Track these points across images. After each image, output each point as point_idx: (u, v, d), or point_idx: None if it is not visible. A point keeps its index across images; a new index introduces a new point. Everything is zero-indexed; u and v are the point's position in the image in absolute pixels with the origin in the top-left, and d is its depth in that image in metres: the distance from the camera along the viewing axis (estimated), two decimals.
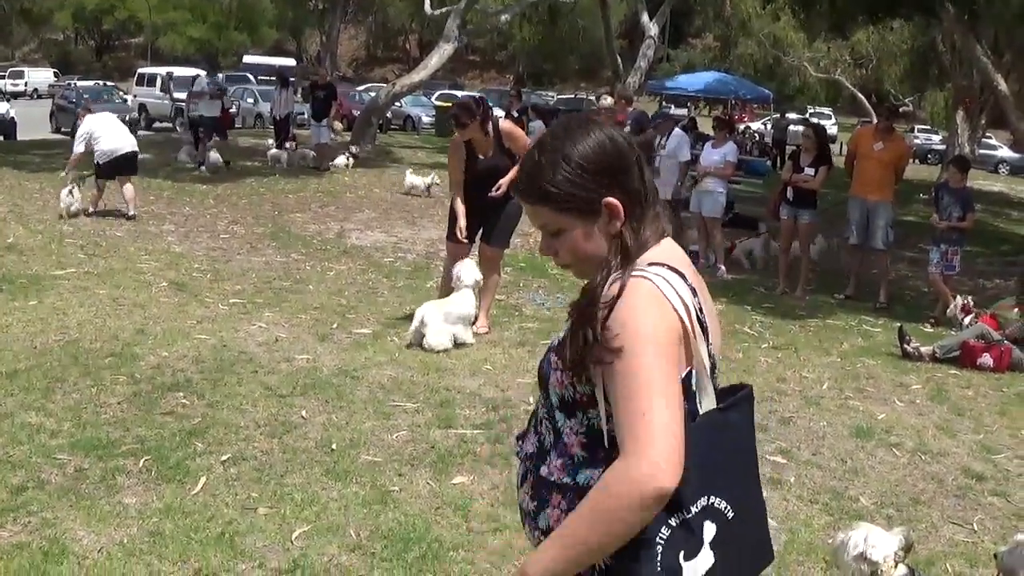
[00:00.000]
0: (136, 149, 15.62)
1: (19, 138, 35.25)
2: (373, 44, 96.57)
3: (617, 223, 2.32)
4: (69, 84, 53.51)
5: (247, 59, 63.47)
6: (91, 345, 8.41)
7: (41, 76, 74.60)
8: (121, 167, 15.18)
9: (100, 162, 15.13)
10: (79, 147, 15.25)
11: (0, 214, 14.82)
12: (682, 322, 2.22)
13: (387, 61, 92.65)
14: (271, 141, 25.66)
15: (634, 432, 2.07)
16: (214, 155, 23.19)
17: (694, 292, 2.28)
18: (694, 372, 2.25)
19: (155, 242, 13.44)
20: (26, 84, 71.13)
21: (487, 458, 6.49)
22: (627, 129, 15.75)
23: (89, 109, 16.82)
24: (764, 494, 2.46)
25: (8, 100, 42.18)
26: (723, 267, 13.81)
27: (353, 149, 24.95)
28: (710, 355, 2.32)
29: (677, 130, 15.11)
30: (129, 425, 6.74)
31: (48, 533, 5.18)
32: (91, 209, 15.23)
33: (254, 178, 21.17)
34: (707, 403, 2.27)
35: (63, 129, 39.85)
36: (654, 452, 2.04)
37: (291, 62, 59.89)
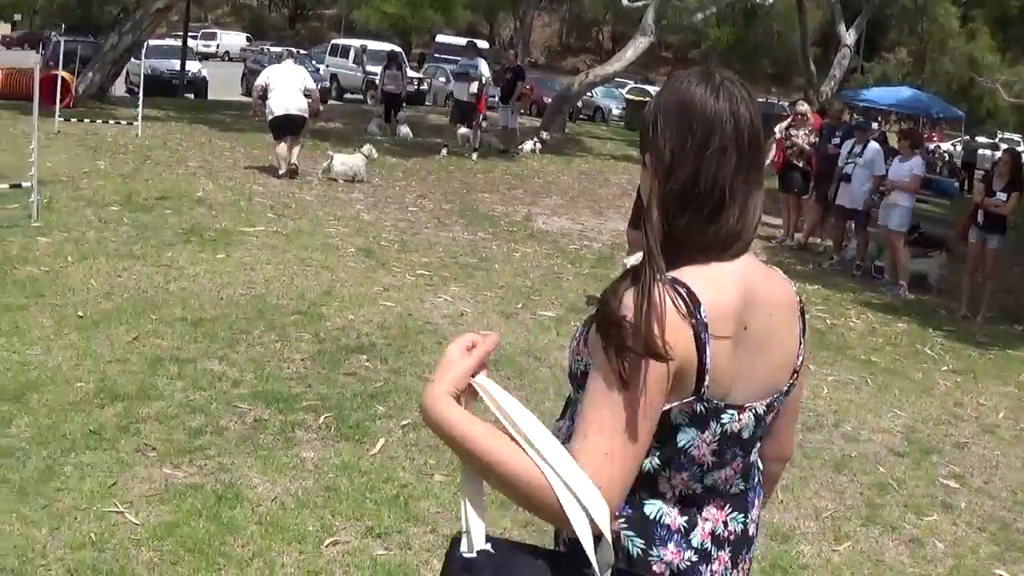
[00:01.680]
0: (300, 114, 16.31)
1: (209, 97, 36.96)
2: (566, 33, 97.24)
3: (656, 185, 2.17)
4: (262, 49, 55.68)
5: (440, 38, 64.52)
6: (277, 301, 8.92)
7: (233, 39, 78.07)
8: (283, 128, 16.10)
9: (268, 117, 16.24)
10: (254, 93, 16.78)
11: (191, 169, 15.69)
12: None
13: (579, 51, 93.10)
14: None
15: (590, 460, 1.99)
16: (404, 128, 23.91)
17: (705, 327, 2.06)
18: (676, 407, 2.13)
19: (344, 208, 13.99)
20: (218, 46, 74.07)
21: None
22: (815, 139, 16.09)
23: (291, 55, 17.88)
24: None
25: (200, 60, 44.22)
26: (904, 284, 13.67)
27: (543, 135, 25.30)
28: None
29: (873, 142, 15.24)
30: (311, 382, 7.15)
31: (223, 478, 5.58)
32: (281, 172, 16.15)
33: (440, 155, 21.69)
34: (690, 435, 2.17)
35: (253, 99, 41.46)
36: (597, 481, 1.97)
37: (484, 44, 60.59)
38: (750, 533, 2.37)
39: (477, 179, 18.98)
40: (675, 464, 2.18)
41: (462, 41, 61.39)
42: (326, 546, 4.97)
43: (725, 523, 2.29)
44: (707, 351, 2.05)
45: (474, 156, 21.77)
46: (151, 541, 4.85)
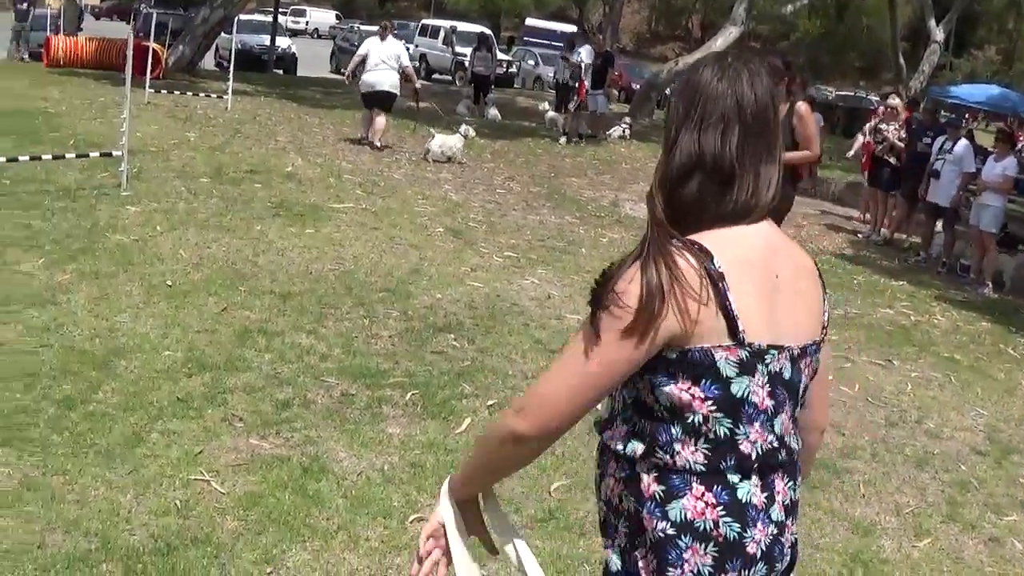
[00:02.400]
0: (390, 90, 16.95)
1: (298, 74, 37.40)
2: (655, 20, 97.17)
3: (663, 158, 2.40)
4: (352, 27, 56.26)
5: (529, 22, 64.77)
6: (366, 278, 9.01)
7: (322, 17, 79.12)
8: (373, 101, 16.95)
9: (361, 91, 17.16)
10: (352, 64, 17.64)
11: (281, 144, 15.88)
12: (680, 302, 2.22)
13: (668, 39, 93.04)
14: (547, 104, 26.35)
15: (532, 384, 2.33)
16: (493, 110, 24.09)
17: (721, 276, 2.24)
18: (722, 356, 2.27)
19: (432, 188, 14.08)
20: (307, 23, 74.81)
21: None
22: (904, 133, 15.94)
23: (388, 29, 18.04)
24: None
25: (289, 37, 44.82)
26: (990, 284, 13.46)
27: (628, 120, 25.27)
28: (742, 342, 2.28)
29: (964, 139, 15.12)
30: (399, 358, 7.22)
31: (309, 451, 5.66)
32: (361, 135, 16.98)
33: (531, 138, 21.80)
34: (744, 383, 2.30)
35: (342, 70, 41.99)
36: (524, 403, 2.34)
37: (572, 28, 60.72)
38: (796, 499, 2.47)
39: (565, 163, 19.02)
40: (744, 417, 2.30)
41: (552, 25, 61.85)
42: (411, 522, 5.01)
43: (790, 494, 2.42)
44: (730, 298, 2.23)
45: (562, 140, 21.81)
46: (236, 510, 4.94)
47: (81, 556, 4.43)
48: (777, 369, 2.34)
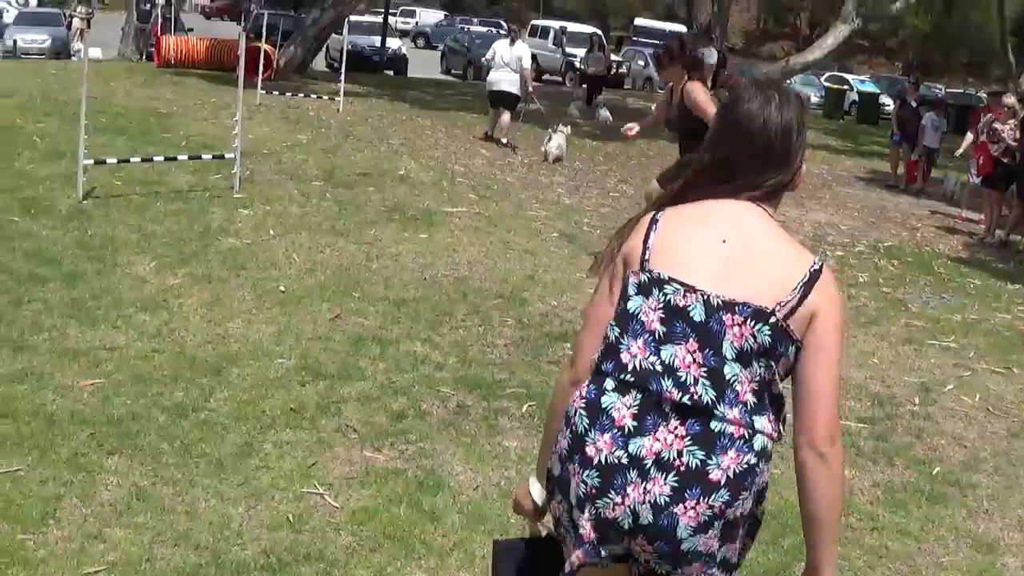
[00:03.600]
0: (508, 90, 17.86)
1: (409, 75, 37.66)
2: (764, 18, 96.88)
3: (699, 156, 3.05)
4: (462, 28, 56.73)
5: (638, 21, 64.76)
6: (480, 284, 8.93)
7: (431, 16, 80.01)
8: (496, 100, 18.09)
9: (486, 89, 18.47)
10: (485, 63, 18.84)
11: (394, 146, 15.91)
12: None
13: (777, 36, 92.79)
14: None
15: None
16: (604, 112, 24.09)
17: (656, 221, 2.90)
18: (631, 279, 2.84)
19: (545, 192, 14.00)
20: (416, 23, 75.51)
21: (870, 454, 6.49)
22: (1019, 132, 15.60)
23: (515, 32, 19.44)
24: None
25: (401, 37, 45.33)
26: None
27: None
28: (646, 268, 2.82)
29: None
30: (515, 368, 7.13)
31: (425, 464, 5.58)
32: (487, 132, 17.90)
33: (643, 140, 21.66)
34: (638, 302, 2.81)
35: (453, 71, 42.33)
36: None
37: (682, 28, 60.59)
38: (711, 478, 2.64)
39: None
40: (630, 330, 2.77)
41: (661, 24, 61.74)
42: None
43: (685, 457, 2.65)
44: (651, 236, 2.85)
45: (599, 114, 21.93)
46: (350, 525, 4.87)
47: (191, 571, 4.39)
48: (680, 303, 2.74)
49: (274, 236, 9.76)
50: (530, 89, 18.98)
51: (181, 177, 11.73)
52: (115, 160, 11.18)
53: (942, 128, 20.15)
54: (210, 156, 11.75)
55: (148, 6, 31.84)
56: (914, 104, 20.98)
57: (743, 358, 2.71)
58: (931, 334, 9.42)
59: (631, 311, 2.77)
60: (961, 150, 18.92)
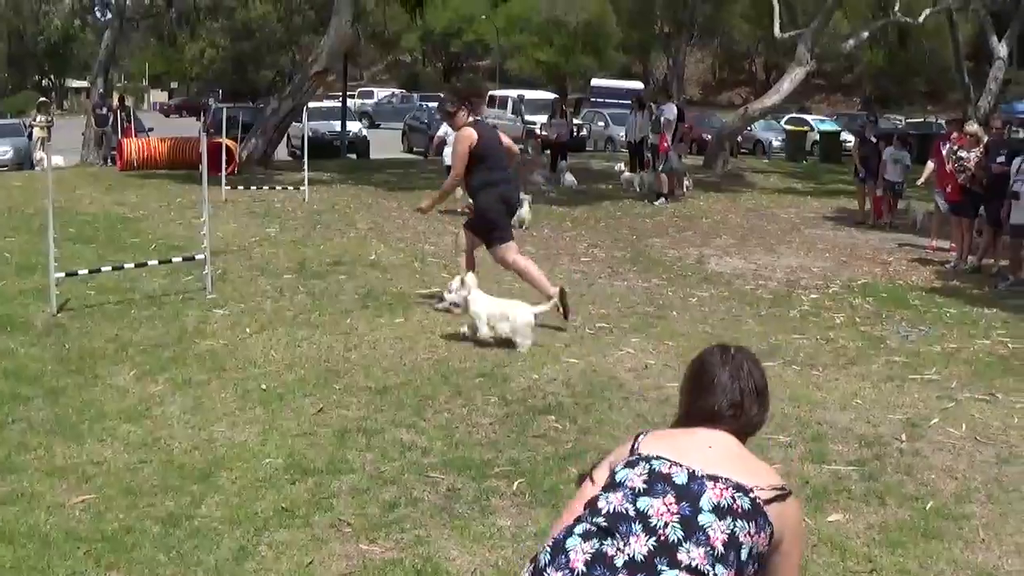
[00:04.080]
0: None
1: (371, 156, 37.93)
2: (719, 67, 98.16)
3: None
4: (420, 105, 57.26)
5: (595, 82, 65.58)
6: (460, 364, 8.99)
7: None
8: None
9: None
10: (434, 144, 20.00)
11: (362, 232, 16.04)
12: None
13: (734, 84, 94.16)
14: (622, 165, 26.57)
15: None
16: (569, 176, 24.36)
17: (637, 437, 3.46)
18: (618, 464, 3.33)
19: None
20: (376, 104, 76.25)
21: (862, 496, 6.53)
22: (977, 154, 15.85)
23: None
24: None
25: (361, 120, 45.65)
26: None
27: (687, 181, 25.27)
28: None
29: None
30: (502, 447, 7.17)
31: (421, 551, 5.60)
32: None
33: (609, 201, 21.97)
34: (625, 473, 3.26)
35: (415, 149, 42.61)
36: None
37: (639, 85, 61.38)
38: None
39: (646, 224, 19.07)
40: (612, 490, 3.19)
41: (618, 83, 62.39)
42: None
43: None
44: (638, 444, 3.37)
45: (660, 202, 21.91)
46: None
47: None
48: (664, 470, 3.15)
49: (250, 334, 9.81)
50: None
51: (153, 282, 11.80)
52: (86, 271, 11.25)
53: (903, 161, 20.35)
54: (180, 258, 11.82)
55: (104, 110, 32.05)
56: (873, 140, 21.28)
57: (719, 511, 3.05)
58: (912, 368, 9.54)
59: (617, 480, 3.20)
60: (923, 179, 19.15)
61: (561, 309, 10.53)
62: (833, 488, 6.62)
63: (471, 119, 10.65)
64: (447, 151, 18.34)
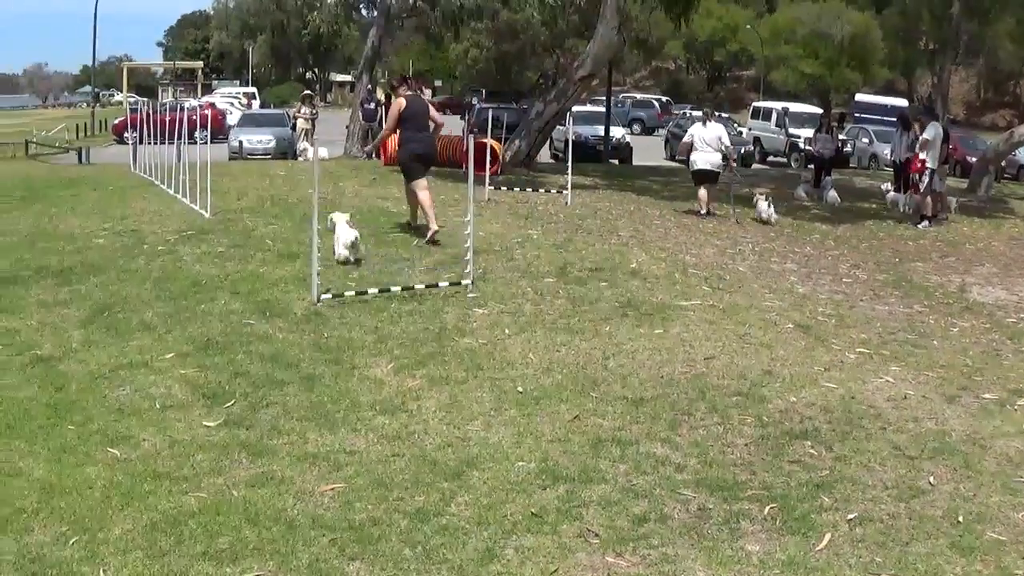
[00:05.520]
0: (715, 169, 20.16)
1: (634, 163, 38.06)
2: (983, 87, 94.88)
3: None
4: (684, 113, 57.30)
5: (859, 97, 64.29)
6: (718, 381, 8.89)
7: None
8: (702, 179, 20.23)
9: (690, 169, 20.66)
10: (680, 150, 21.44)
11: (623, 239, 16.03)
12: None
13: (997, 106, 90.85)
14: (888, 184, 25.96)
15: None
16: (832, 193, 24.00)
17: None
18: None
19: (778, 280, 13.86)
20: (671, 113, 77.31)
21: None
22: None
23: (711, 115, 21.37)
24: None
25: (631, 126, 46.08)
26: None
27: (952, 202, 24.41)
28: None
29: None
30: (756, 469, 7.06)
31: (667, 569, 5.57)
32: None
33: (872, 221, 21.43)
34: None
35: (677, 157, 42.63)
36: None
37: (903, 102, 59.77)
38: None
39: (908, 246, 18.49)
40: None
41: (882, 99, 60.96)
42: None
43: None
44: None
45: (923, 225, 21.30)
46: None
47: None
48: None
49: (510, 335, 9.93)
50: (732, 164, 20.87)
51: (414, 277, 12.05)
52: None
53: None
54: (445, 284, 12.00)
55: (372, 105, 32.97)
56: None
57: None
58: None
59: None
60: None
61: (428, 237, 14.20)
62: None
63: (408, 92, 15.23)
64: (694, 154, 20.10)
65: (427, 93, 25.84)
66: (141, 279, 11.81)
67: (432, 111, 15.45)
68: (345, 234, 12.81)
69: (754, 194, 20.82)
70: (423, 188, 14.65)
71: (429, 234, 14.14)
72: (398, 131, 15.15)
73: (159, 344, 9.47)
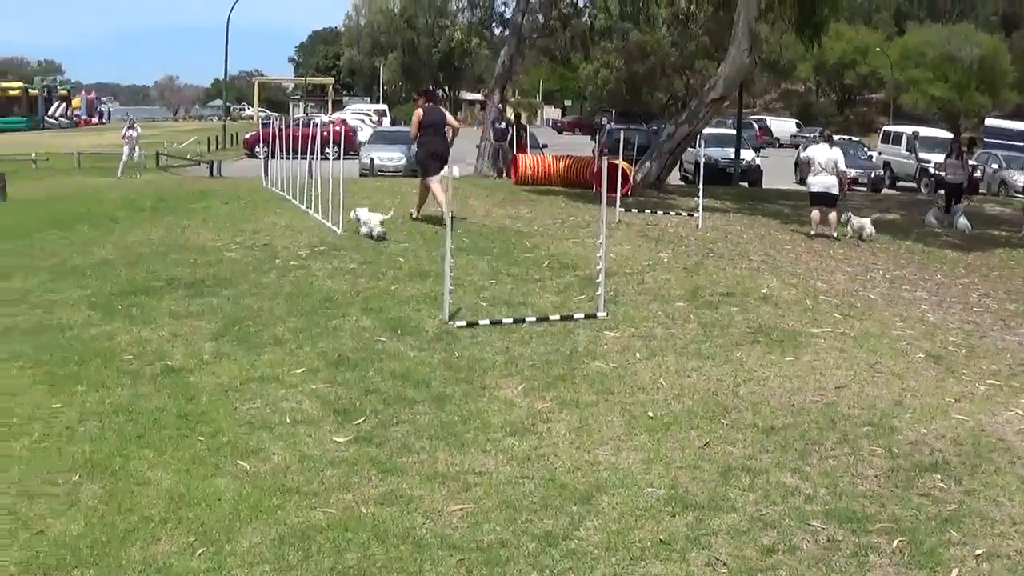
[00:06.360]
0: (824, 190, 20.40)
1: (764, 186, 37.79)
2: None
3: None
4: (815, 136, 56.93)
5: (989, 122, 62.90)
6: (848, 411, 8.80)
7: (783, 126, 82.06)
8: (818, 200, 20.56)
9: (809, 191, 21.17)
10: (801, 166, 21.35)
11: (754, 263, 15.93)
12: None
13: None
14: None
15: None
16: (963, 220, 23.66)
17: None
18: None
19: (909, 308, 13.65)
20: (771, 134, 76.51)
21: None
22: None
23: (827, 138, 21.85)
24: None
25: (757, 150, 45.83)
26: None
27: None
28: None
29: None
30: (885, 501, 6.98)
31: None
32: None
33: (1003, 249, 20.99)
34: None
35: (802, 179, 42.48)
36: None
37: None
38: None
39: None
40: None
41: (1013, 124, 59.54)
42: None
43: None
44: None
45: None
46: None
47: None
48: None
49: (640, 359, 9.93)
50: (846, 189, 21.40)
51: (545, 298, 12.12)
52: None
53: None
54: (574, 277, 12.03)
55: (503, 125, 33.22)
56: None
57: None
58: None
59: None
60: None
61: (414, 213, 18.23)
62: None
63: (427, 104, 17.86)
64: (812, 178, 20.69)
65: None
66: (273, 293, 12.07)
67: (448, 117, 18.34)
68: (373, 217, 15.76)
69: (854, 215, 20.94)
70: (437, 183, 17.11)
71: (415, 213, 18.22)
72: (419, 133, 17.75)
73: (290, 358, 9.68)
